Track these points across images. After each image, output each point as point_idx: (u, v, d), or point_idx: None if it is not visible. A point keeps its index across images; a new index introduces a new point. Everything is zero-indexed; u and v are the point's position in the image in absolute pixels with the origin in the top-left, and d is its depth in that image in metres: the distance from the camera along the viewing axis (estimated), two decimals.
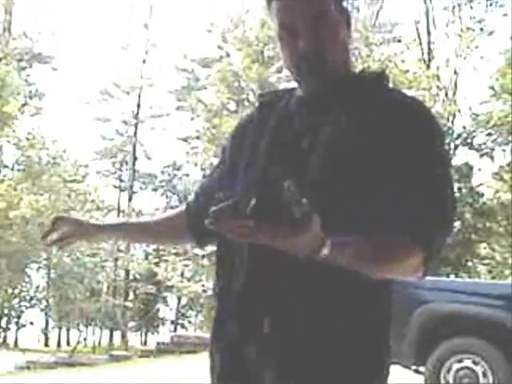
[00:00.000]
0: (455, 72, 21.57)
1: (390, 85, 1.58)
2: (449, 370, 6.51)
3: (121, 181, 37.50)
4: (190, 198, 1.77)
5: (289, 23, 1.45)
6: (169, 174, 38.88)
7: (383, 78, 1.54)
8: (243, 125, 1.64)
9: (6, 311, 35.05)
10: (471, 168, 20.96)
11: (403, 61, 20.73)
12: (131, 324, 35.66)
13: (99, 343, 37.05)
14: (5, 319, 35.67)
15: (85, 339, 37.85)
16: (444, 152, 1.52)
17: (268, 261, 1.37)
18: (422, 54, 22.51)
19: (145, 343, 35.67)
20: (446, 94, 21.14)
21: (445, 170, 1.47)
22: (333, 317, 1.39)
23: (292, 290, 1.39)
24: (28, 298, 35.79)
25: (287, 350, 1.39)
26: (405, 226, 1.36)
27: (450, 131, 20.45)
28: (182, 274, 31.59)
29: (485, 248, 22.11)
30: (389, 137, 1.41)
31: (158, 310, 38.38)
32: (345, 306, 1.40)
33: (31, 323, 36.54)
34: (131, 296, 35.01)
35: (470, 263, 21.94)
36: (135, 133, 36.19)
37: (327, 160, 1.42)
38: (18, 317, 36.50)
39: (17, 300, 35.12)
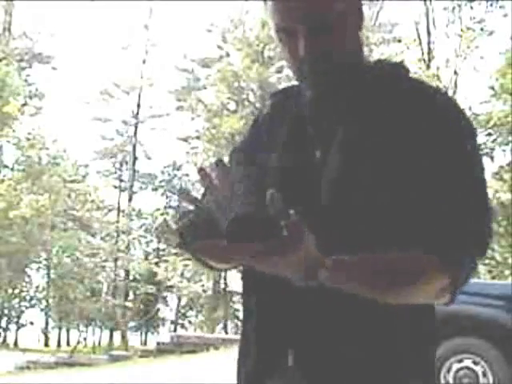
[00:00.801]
0: (455, 72, 21.58)
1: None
2: (449, 370, 6.51)
3: (121, 181, 37.51)
4: None
5: (287, 25, 1.29)
6: (169, 174, 38.91)
7: (402, 67, 1.39)
8: (257, 128, 1.49)
9: (6, 311, 35.08)
10: None
11: (403, 61, 20.72)
12: (131, 324, 35.67)
13: (99, 343, 37.07)
14: (5, 319, 35.71)
15: (85, 339, 37.88)
16: (478, 153, 1.30)
17: (289, 288, 1.19)
18: (422, 53, 22.51)
19: (145, 343, 35.68)
20: None
21: (479, 175, 1.25)
22: (362, 347, 1.25)
23: (316, 319, 1.26)
24: (28, 298, 35.81)
25: (313, 382, 1.27)
26: (429, 243, 1.17)
27: None
28: (182, 274, 31.58)
29: None
30: (412, 137, 1.24)
31: (158, 309, 38.38)
32: (374, 333, 1.25)
33: (31, 323, 36.57)
34: (131, 296, 35.02)
35: None
36: (135, 133, 36.21)
37: (342, 168, 1.27)
38: (18, 317, 36.52)
39: (17, 300, 35.16)
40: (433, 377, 1.34)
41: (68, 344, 36.53)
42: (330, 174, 1.28)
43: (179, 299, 37.01)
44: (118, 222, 34.29)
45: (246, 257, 1.03)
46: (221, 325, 30.85)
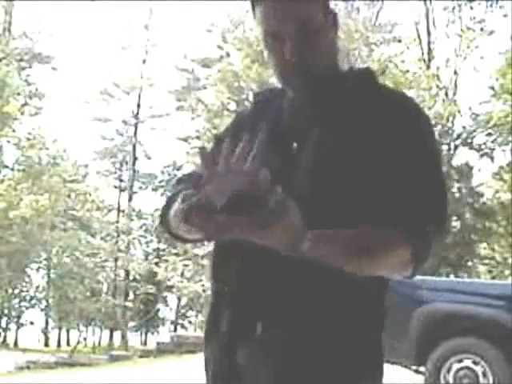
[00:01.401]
0: (455, 72, 21.57)
1: (384, 82, 1.60)
2: (449, 370, 6.51)
3: (121, 181, 37.51)
4: None
5: (274, 31, 1.42)
6: (169, 174, 38.89)
7: (371, 75, 1.53)
8: (239, 121, 1.62)
9: (6, 311, 35.08)
10: (471, 168, 20.98)
11: (403, 61, 20.75)
12: (131, 324, 35.67)
13: (99, 343, 37.07)
14: (5, 319, 35.72)
15: (85, 339, 37.88)
16: (435, 149, 1.50)
17: (261, 262, 1.36)
18: (422, 54, 22.52)
19: (145, 343, 35.68)
20: (446, 94, 21.14)
21: (436, 167, 1.44)
22: (326, 318, 1.38)
23: (285, 291, 1.38)
24: (28, 298, 35.81)
25: (280, 354, 1.38)
26: (393, 219, 1.33)
27: (450, 131, 20.47)
28: (182, 274, 31.56)
29: (485, 248, 22.12)
30: (377, 133, 1.39)
31: (158, 310, 38.39)
32: (338, 306, 1.38)
33: (31, 323, 36.59)
34: (131, 296, 35.02)
35: (469, 263, 21.94)
36: (135, 133, 36.21)
37: (316, 159, 1.41)
38: (18, 317, 36.54)
39: (17, 300, 35.16)
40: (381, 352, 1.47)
41: (68, 344, 36.54)
42: (305, 162, 1.41)
43: (179, 299, 37.00)
44: (117, 222, 34.29)
45: (237, 230, 1.15)
46: None
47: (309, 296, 1.37)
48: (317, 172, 1.40)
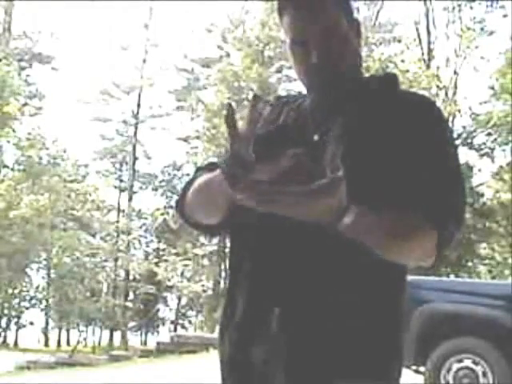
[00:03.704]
0: (455, 72, 21.60)
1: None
2: (449, 370, 6.51)
3: (121, 181, 37.51)
4: None
5: (300, 38, 1.47)
6: (169, 174, 38.90)
7: (392, 79, 1.59)
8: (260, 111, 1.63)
9: (6, 311, 35.06)
10: (471, 168, 20.99)
11: (403, 61, 20.77)
12: (131, 324, 35.66)
13: (99, 343, 37.05)
14: (5, 319, 35.68)
15: (85, 339, 37.86)
16: (454, 144, 1.56)
17: (275, 254, 1.40)
18: (422, 54, 22.54)
19: (145, 343, 35.68)
20: (446, 94, 21.17)
21: (458, 163, 1.49)
22: (343, 315, 1.38)
23: (301, 287, 1.38)
24: (28, 297, 35.76)
25: (295, 351, 1.38)
26: (422, 208, 1.35)
27: None
28: (182, 274, 31.61)
29: (485, 248, 22.14)
30: (396, 129, 1.43)
31: (158, 310, 38.39)
32: (356, 304, 1.39)
33: (31, 323, 36.51)
34: (131, 296, 35.01)
35: (470, 263, 21.96)
36: (135, 133, 36.21)
37: (339, 149, 1.41)
38: (18, 317, 36.48)
39: (17, 300, 35.11)
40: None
41: (68, 344, 36.51)
42: (330, 152, 1.42)
43: (179, 299, 37.01)
44: (118, 221, 34.30)
45: (287, 198, 1.13)
46: None
47: (325, 290, 1.38)
48: (342, 158, 1.38)
